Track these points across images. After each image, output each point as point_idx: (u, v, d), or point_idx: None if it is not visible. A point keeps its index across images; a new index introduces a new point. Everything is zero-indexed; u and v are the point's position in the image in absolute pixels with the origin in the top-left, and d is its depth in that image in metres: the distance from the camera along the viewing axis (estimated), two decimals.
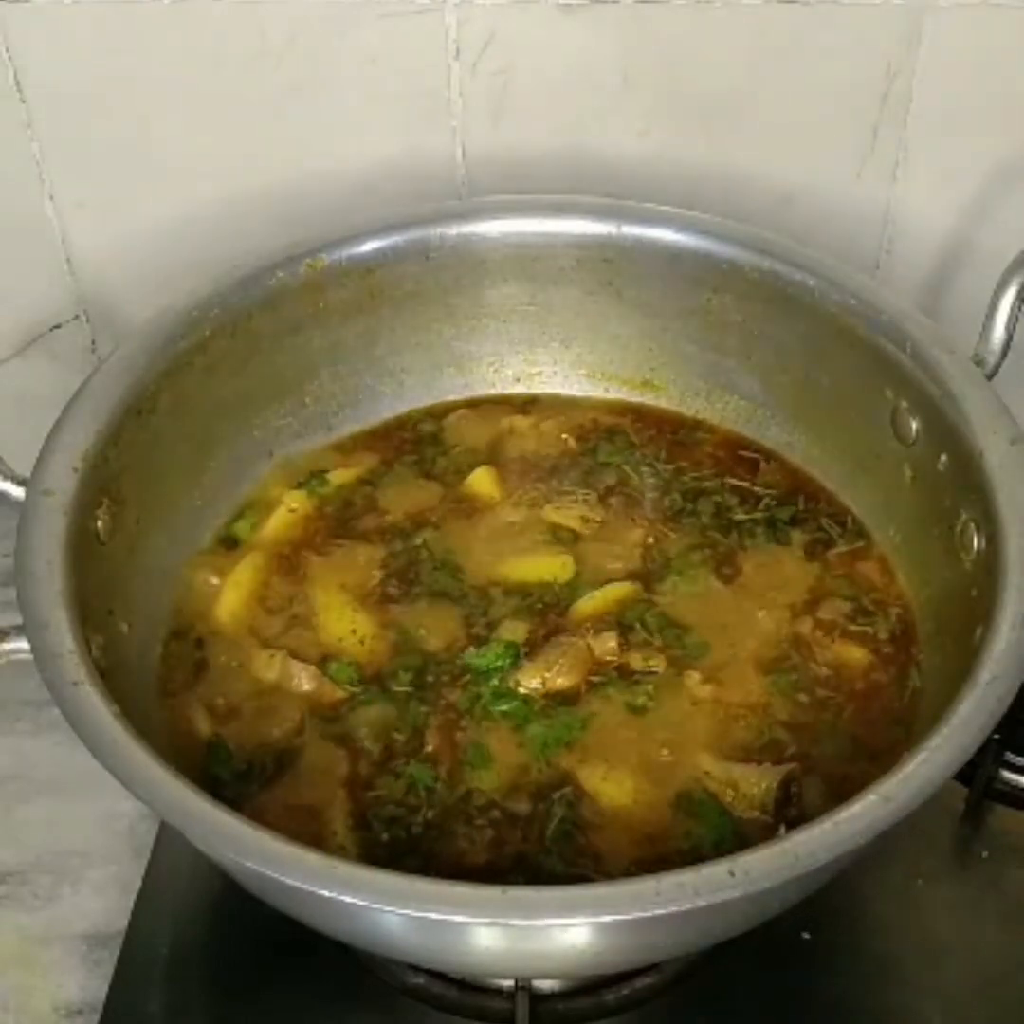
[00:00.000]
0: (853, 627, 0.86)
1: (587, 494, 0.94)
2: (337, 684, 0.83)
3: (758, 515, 0.92)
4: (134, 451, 0.83)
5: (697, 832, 0.75)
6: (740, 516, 0.92)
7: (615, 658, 0.83)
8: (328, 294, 0.94)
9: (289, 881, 0.60)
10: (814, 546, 0.90)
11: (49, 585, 0.71)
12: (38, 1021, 0.83)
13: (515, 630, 0.85)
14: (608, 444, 0.98)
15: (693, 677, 0.82)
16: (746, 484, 0.95)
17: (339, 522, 0.94)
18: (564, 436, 0.99)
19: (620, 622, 0.85)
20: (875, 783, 0.63)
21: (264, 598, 0.89)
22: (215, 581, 0.89)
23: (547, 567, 0.89)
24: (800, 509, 0.93)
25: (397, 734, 0.80)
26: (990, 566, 0.74)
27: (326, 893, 0.60)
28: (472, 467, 0.96)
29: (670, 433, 0.99)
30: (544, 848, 0.75)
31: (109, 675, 0.70)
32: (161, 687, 0.83)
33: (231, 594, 0.88)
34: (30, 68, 0.96)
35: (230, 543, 0.92)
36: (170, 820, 0.64)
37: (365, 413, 1.00)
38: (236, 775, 0.79)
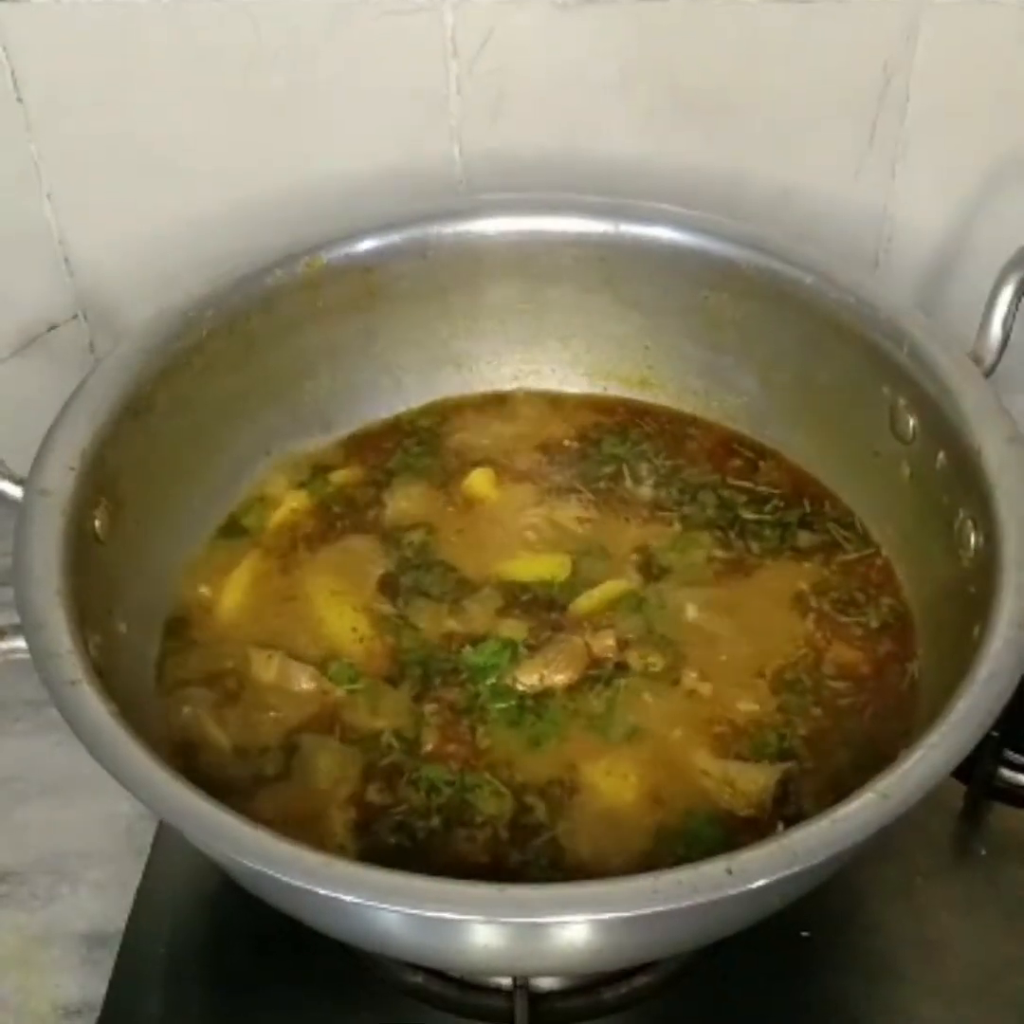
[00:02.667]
0: (851, 625, 0.86)
1: (585, 492, 0.94)
2: (336, 684, 0.83)
3: (766, 516, 0.92)
4: (132, 451, 0.83)
5: (695, 830, 0.75)
6: (747, 515, 0.92)
7: (613, 656, 0.83)
8: (326, 293, 0.94)
9: (287, 880, 0.60)
10: (819, 549, 0.90)
11: (47, 584, 0.71)
12: (38, 1021, 0.83)
13: (514, 629, 0.85)
14: (606, 442, 0.98)
15: (690, 675, 0.82)
16: (746, 483, 0.95)
17: (338, 521, 0.93)
18: (562, 435, 0.99)
19: (618, 620, 0.85)
20: (873, 780, 0.63)
21: (263, 598, 0.88)
22: (214, 581, 0.89)
23: (545, 566, 0.89)
24: (807, 512, 0.93)
25: (396, 734, 0.80)
26: (988, 564, 0.74)
27: (324, 891, 0.60)
28: (471, 466, 0.96)
29: (668, 431, 0.99)
30: (544, 845, 0.75)
31: (107, 674, 0.70)
32: (159, 687, 0.83)
33: (230, 594, 0.88)
34: (30, 68, 0.95)
35: (229, 543, 0.92)
36: (168, 820, 0.64)
37: (363, 412, 0.99)
38: (234, 775, 0.78)
